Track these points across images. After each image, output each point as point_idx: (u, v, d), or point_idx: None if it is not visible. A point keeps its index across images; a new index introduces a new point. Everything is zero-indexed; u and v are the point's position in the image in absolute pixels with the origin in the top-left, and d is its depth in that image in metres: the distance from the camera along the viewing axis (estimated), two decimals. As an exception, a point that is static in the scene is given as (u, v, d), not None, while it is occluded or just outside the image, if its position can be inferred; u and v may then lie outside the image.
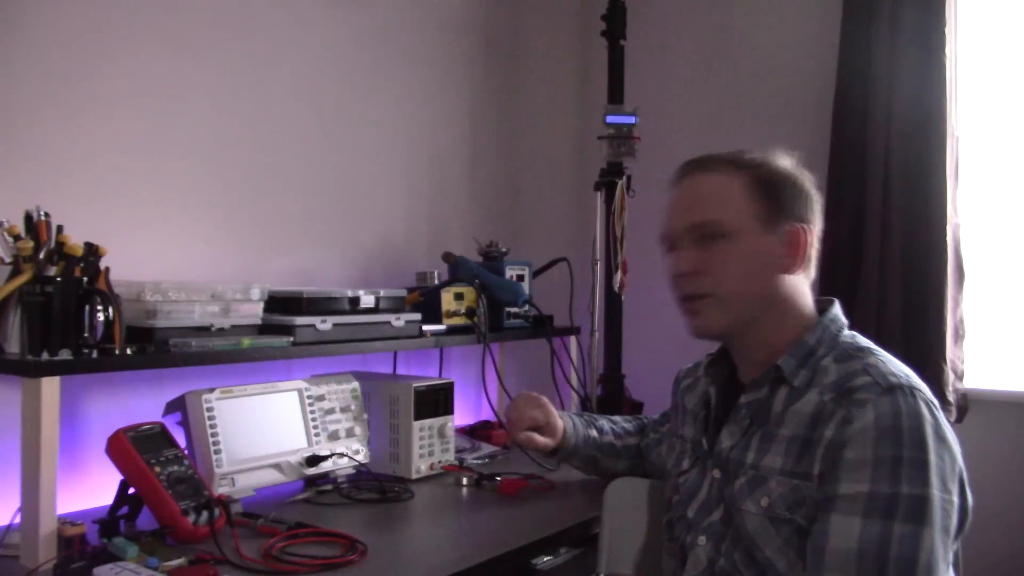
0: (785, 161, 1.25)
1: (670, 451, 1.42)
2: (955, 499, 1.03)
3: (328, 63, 2.19)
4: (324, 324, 1.75)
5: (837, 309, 1.25)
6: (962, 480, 1.06)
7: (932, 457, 1.01)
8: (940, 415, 1.07)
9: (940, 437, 1.04)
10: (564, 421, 1.67)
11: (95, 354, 1.41)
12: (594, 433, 1.67)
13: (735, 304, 1.19)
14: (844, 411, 1.06)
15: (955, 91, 2.25)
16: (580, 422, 1.68)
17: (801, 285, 1.23)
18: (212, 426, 1.54)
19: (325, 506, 1.64)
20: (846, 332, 1.22)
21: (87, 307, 1.40)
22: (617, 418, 1.73)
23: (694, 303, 1.21)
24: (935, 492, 1.00)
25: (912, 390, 1.06)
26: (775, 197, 1.21)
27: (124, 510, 1.40)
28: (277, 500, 1.64)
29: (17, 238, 1.39)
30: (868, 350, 1.16)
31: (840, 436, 1.05)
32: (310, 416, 1.73)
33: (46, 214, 1.42)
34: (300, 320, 1.71)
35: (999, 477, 2.20)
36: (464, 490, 1.79)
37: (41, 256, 1.40)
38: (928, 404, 1.06)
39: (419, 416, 1.85)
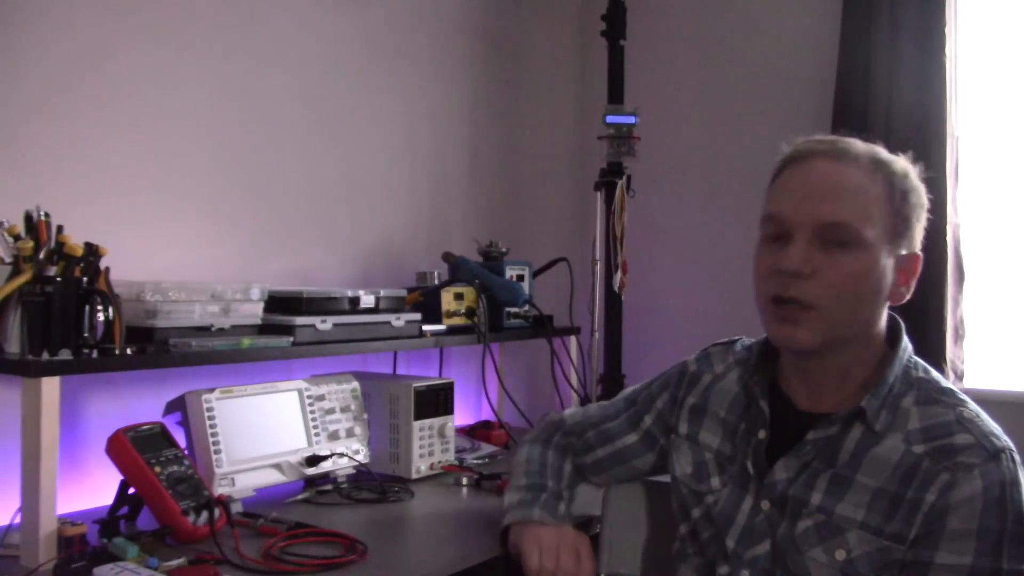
0: (915, 173, 1.12)
1: (676, 452, 1.29)
2: None
3: (329, 63, 2.19)
4: (324, 324, 1.75)
5: (905, 336, 1.14)
6: None
7: None
8: None
9: None
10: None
11: (95, 354, 1.41)
12: (570, 510, 1.39)
13: (839, 324, 1.07)
14: (949, 475, 0.99)
15: (955, 91, 2.25)
16: (567, 514, 1.36)
17: (886, 312, 1.13)
18: (212, 426, 1.54)
19: (325, 506, 1.64)
20: (912, 360, 1.13)
21: (87, 307, 1.40)
22: (551, 460, 1.43)
23: (792, 310, 1.06)
24: None
25: (1011, 454, 1.02)
26: (906, 215, 1.08)
27: (124, 510, 1.40)
28: (277, 500, 1.64)
29: (17, 238, 1.39)
30: (952, 394, 1.09)
31: (943, 502, 0.99)
32: (310, 416, 1.73)
33: (46, 214, 1.42)
34: (300, 320, 1.71)
35: (999, 477, 2.20)
36: (464, 490, 1.79)
37: (41, 256, 1.40)
38: (1020, 466, 1.03)
39: (419, 416, 1.85)
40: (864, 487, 1.05)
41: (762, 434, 1.16)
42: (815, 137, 1.15)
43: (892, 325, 1.16)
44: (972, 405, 1.08)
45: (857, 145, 1.12)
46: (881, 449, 1.05)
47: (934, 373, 1.13)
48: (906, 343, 1.14)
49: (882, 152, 1.12)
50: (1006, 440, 1.03)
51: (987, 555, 0.97)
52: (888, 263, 1.08)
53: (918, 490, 1.01)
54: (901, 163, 1.11)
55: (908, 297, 1.12)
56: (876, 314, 1.11)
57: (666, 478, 1.38)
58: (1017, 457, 1.03)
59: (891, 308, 1.15)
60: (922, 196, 1.12)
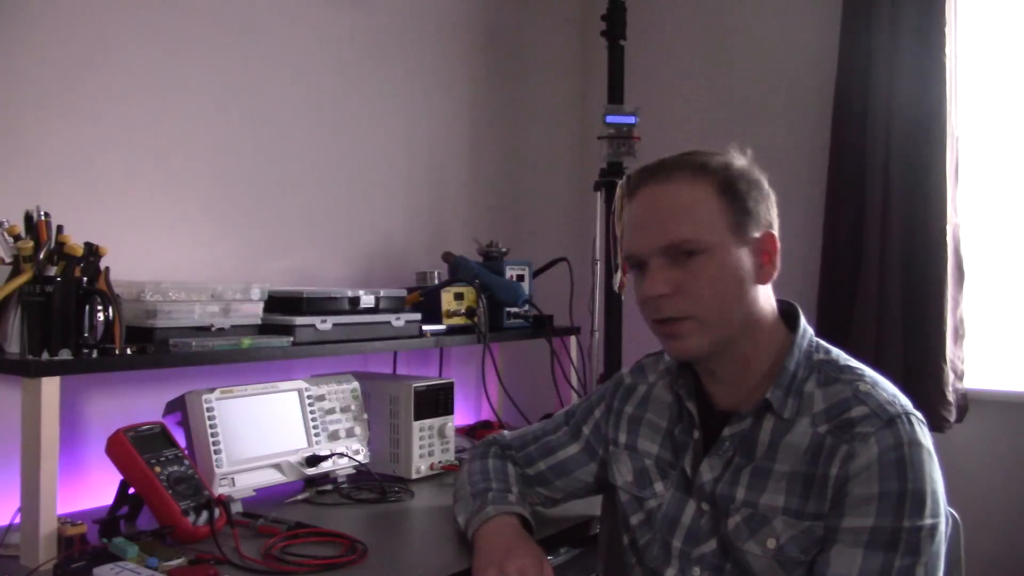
0: (743, 160, 1.18)
1: (616, 462, 1.32)
2: (945, 516, 1.06)
3: (328, 63, 2.19)
4: (324, 324, 1.75)
5: (803, 319, 1.18)
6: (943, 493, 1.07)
7: (930, 485, 1.03)
8: (927, 430, 1.08)
9: (932, 457, 1.06)
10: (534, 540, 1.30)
11: (95, 354, 1.41)
12: (525, 501, 1.38)
13: (717, 324, 1.12)
14: (847, 446, 1.05)
15: (955, 91, 2.25)
16: (529, 515, 1.34)
17: (770, 295, 1.17)
18: (212, 426, 1.54)
19: (325, 506, 1.64)
20: (813, 342, 1.17)
21: (87, 307, 1.40)
22: (493, 465, 1.43)
23: (673, 326, 1.13)
24: (932, 521, 1.02)
25: (908, 416, 1.06)
26: (743, 202, 1.13)
27: (124, 510, 1.41)
28: (277, 500, 1.64)
29: (17, 238, 1.39)
30: (849, 369, 1.13)
31: (845, 472, 1.04)
32: (310, 416, 1.73)
33: (46, 214, 1.42)
34: (300, 320, 1.71)
35: (999, 477, 2.20)
36: (464, 490, 1.79)
37: (41, 256, 1.39)
38: (920, 424, 1.07)
39: (419, 416, 1.85)
40: (781, 474, 1.10)
41: (696, 434, 1.20)
42: (640, 167, 1.21)
43: (789, 310, 1.20)
44: (870, 377, 1.12)
45: (676, 159, 1.18)
46: (792, 436, 1.11)
47: (835, 352, 1.17)
48: (804, 327, 1.18)
49: (699, 156, 1.17)
50: (902, 406, 1.08)
51: (888, 515, 1.01)
52: (740, 252, 1.13)
53: (824, 466, 1.06)
54: (719, 159, 1.17)
55: (776, 273, 1.16)
56: (750, 301, 1.14)
57: None
58: (916, 419, 1.07)
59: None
60: (753, 175, 1.16)
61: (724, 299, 1.12)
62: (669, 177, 1.15)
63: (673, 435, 1.25)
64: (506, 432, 1.53)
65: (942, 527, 1.04)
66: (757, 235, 1.14)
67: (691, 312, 1.12)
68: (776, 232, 1.17)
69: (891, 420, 1.05)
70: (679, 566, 1.18)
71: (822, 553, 1.05)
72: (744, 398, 1.16)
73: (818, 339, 1.19)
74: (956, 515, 1.20)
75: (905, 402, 1.09)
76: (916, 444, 1.04)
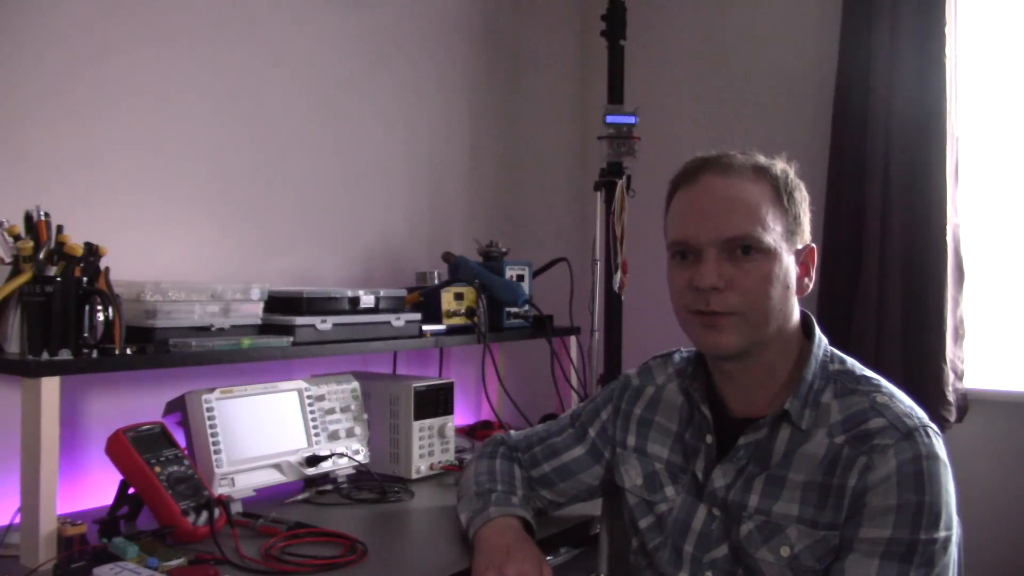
0: (792, 169, 1.19)
1: (624, 465, 1.32)
2: (958, 526, 1.07)
3: (329, 63, 2.19)
4: (324, 324, 1.75)
5: (818, 329, 1.19)
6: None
7: (945, 498, 1.04)
8: (942, 442, 1.08)
9: (947, 469, 1.07)
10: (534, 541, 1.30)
11: (95, 354, 1.41)
12: (529, 505, 1.39)
13: (758, 325, 1.12)
14: (865, 458, 1.06)
15: (955, 91, 2.25)
16: (531, 518, 1.34)
17: (797, 306, 1.19)
18: (212, 426, 1.54)
19: (325, 506, 1.64)
20: (828, 352, 1.19)
21: (87, 307, 1.40)
22: (500, 467, 1.43)
23: (717, 318, 1.12)
24: (946, 533, 1.03)
25: (926, 429, 1.07)
26: (796, 211, 1.16)
27: (124, 510, 1.40)
28: (277, 500, 1.64)
29: (17, 238, 1.39)
30: (866, 380, 1.14)
31: (863, 484, 1.05)
32: (310, 416, 1.73)
33: (46, 214, 1.42)
34: (300, 320, 1.71)
35: (999, 477, 2.20)
36: (464, 490, 1.78)
37: (41, 256, 1.40)
38: (937, 436, 1.08)
39: (419, 416, 1.85)
40: (796, 483, 1.10)
41: (709, 439, 1.20)
42: (699, 155, 1.20)
43: (805, 320, 1.21)
44: (887, 389, 1.13)
45: (738, 157, 1.18)
46: (809, 446, 1.11)
47: (850, 362, 1.18)
48: (819, 337, 1.19)
49: (760, 158, 1.18)
50: (919, 419, 1.08)
51: (905, 527, 1.02)
52: (789, 260, 1.15)
53: (841, 477, 1.07)
54: (779, 165, 1.18)
55: (811, 287, 1.19)
56: (789, 310, 1.16)
57: None
58: (933, 432, 1.08)
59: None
60: (803, 191, 1.19)
61: (770, 302, 1.12)
62: (732, 171, 1.15)
63: (683, 439, 1.25)
64: (513, 432, 1.53)
65: (955, 538, 1.05)
66: (801, 247, 1.17)
67: (739, 308, 1.11)
68: (815, 247, 1.19)
69: (910, 433, 1.06)
70: (691, 571, 1.19)
71: (837, 562, 1.06)
72: (760, 406, 1.17)
73: (832, 348, 1.20)
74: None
75: (922, 415, 1.10)
76: (934, 457, 1.05)
